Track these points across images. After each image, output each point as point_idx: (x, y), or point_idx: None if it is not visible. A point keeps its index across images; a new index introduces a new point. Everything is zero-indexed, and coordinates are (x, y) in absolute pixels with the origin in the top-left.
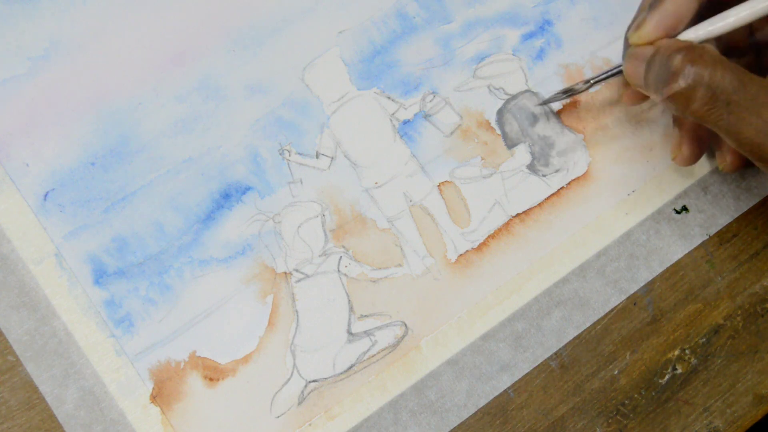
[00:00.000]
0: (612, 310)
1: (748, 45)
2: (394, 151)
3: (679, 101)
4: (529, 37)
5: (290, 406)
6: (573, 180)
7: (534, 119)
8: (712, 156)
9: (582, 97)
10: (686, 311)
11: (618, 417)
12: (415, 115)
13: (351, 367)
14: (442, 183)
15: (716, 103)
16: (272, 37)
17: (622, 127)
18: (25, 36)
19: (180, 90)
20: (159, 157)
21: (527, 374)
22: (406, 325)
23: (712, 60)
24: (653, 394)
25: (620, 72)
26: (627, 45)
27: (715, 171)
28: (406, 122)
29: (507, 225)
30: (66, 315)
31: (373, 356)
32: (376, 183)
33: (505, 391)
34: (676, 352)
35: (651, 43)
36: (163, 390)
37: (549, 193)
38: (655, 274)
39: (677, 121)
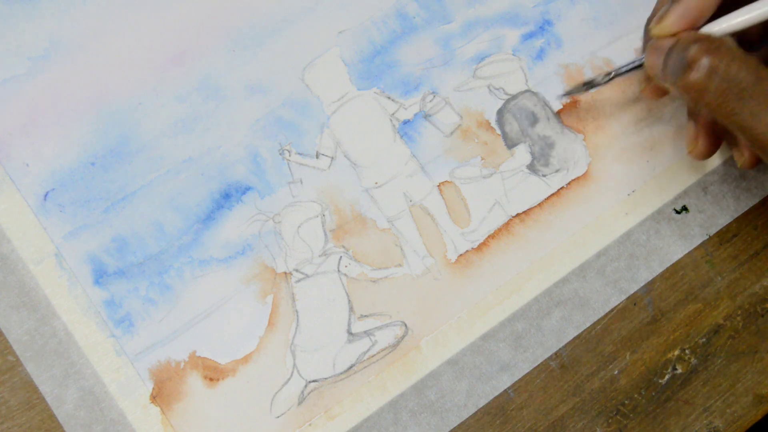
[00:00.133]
0: (612, 310)
1: (765, 39)
2: (394, 151)
3: (694, 92)
4: (529, 37)
5: (290, 406)
6: (573, 180)
7: (534, 119)
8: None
9: (582, 97)
10: (686, 311)
11: (618, 417)
12: (415, 115)
13: (351, 367)
14: (442, 183)
15: (730, 95)
16: (272, 37)
17: (622, 127)
18: (25, 36)
19: (180, 90)
20: (159, 157)
21: (527, 374)
22: (406, 325)
23: (729, 52)
24: (653, 394)
25: (641, 65)
26: (647, 38)
27: (716, 171)
28: (406, 122)
29: (507, 225)
30: (66, 315)
31: (373, 356)
32: (376, 183)
33: (505, 391)
34: (676, 352)
35: (673, 35)
36: (163, 390)
37: (549, 193)
38: (655, 274)
39: (693, 115)
